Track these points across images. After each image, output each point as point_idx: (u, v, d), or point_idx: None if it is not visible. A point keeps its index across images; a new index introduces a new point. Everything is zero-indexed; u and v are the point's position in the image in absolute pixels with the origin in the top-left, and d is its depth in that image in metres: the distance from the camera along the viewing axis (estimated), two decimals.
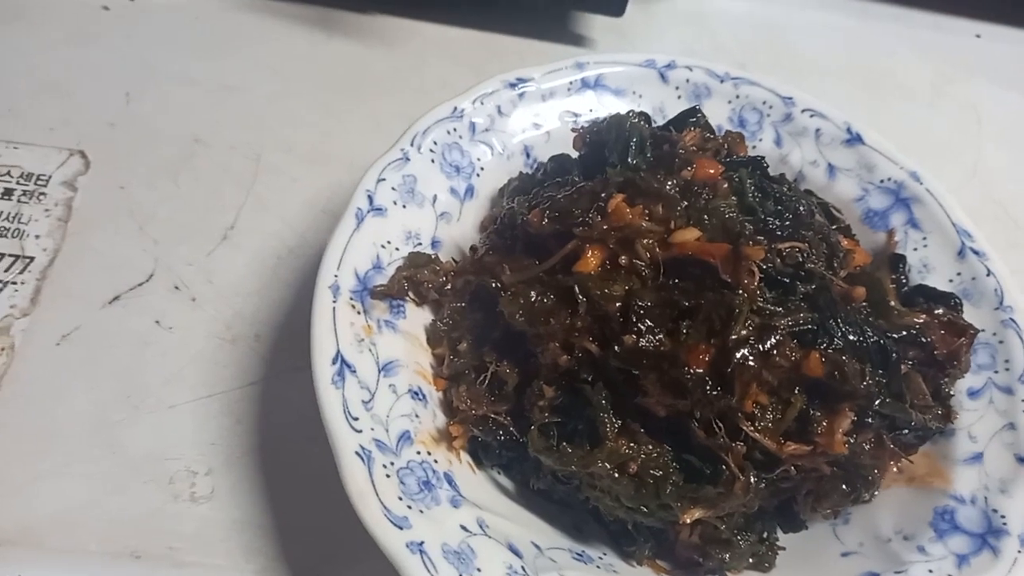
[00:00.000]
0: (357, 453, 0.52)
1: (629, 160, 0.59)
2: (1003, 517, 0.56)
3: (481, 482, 0.59)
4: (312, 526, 0.63)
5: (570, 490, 0.58)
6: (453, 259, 0.66)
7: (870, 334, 0.53)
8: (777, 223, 0.56)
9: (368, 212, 0.62)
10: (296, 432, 0.66)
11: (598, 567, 0.56)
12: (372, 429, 0.54)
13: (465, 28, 1.00)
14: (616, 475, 0.54)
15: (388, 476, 0.53)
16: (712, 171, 0.58)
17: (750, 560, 0.58)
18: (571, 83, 0.73)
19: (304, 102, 0.90)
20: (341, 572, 0.61)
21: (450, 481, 0.56)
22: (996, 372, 0.62)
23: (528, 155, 0.72)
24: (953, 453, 0.60)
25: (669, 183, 0.56)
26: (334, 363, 0.55)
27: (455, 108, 0.69)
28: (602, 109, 0.72)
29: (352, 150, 0.85)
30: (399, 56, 0.96)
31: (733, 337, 0.51)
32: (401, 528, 0.50)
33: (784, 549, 0.59)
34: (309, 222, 0.80)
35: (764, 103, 0.74)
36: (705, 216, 0.56)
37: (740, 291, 0.52)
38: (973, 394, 0.62)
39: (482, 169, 0.70)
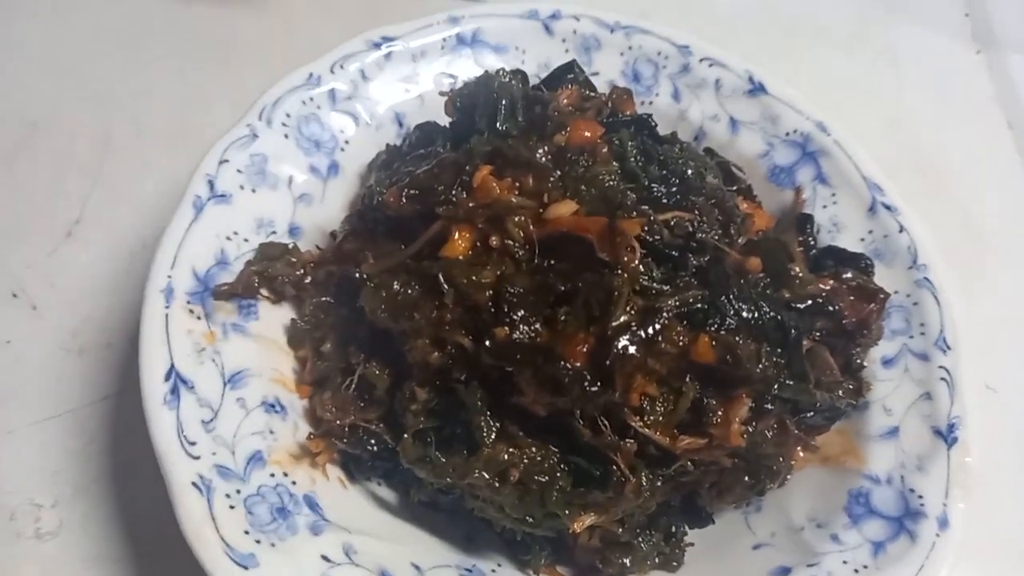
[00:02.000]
0: (194, 484, 0.46)
1: (498, 126, 0.52)
2: (920, 497, 0.52)
3: (353, 499, 0.53)
4: (175, 555, 0.55)
5: (455, 499, 0.53)
6: (317, 247, 0.59)
7: (767, 310, 0.47)
8: (663, 190, 0.50)
9: (208, 200, 0.54)
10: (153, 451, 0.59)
11: None
12: (214, 453, 0.47)
13: None
14: (497, 484, 0.48)
15: (232, 507, 0.46)
16: (590, 134, 0.51)
17: (656, 560, 0.53)
18: (444, 40, 0.65)
19: (159, 74, 0.80)
20: None
21: (311, 504, 0.49)
22: (911, 337, 0.57)
23: (400, 124, 0.64)
24: (868, 428, 0.55)
25: (541, 150, 0.50)
26: (167, 379, 0.48)
27: (311, 74, 0.61)
28: (481, 69, 0.65)
29: (216, 127, 0.75)
30: (268, 18, 0.86)
31: (613, 324, 0.45)
32: (246, 568, 0.44)
33: (693, 545, 0.55)
34: (166, 211, 0.70)
35: (659, 54, 0.67)
36: (583, 186, 0.49)
37: (619, 271, 0.46)
38: (887, 363, 0.57)
39: (347, 142, 0.62)
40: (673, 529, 0.54)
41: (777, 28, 0.98)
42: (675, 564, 0.54)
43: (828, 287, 0.54)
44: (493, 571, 0.53)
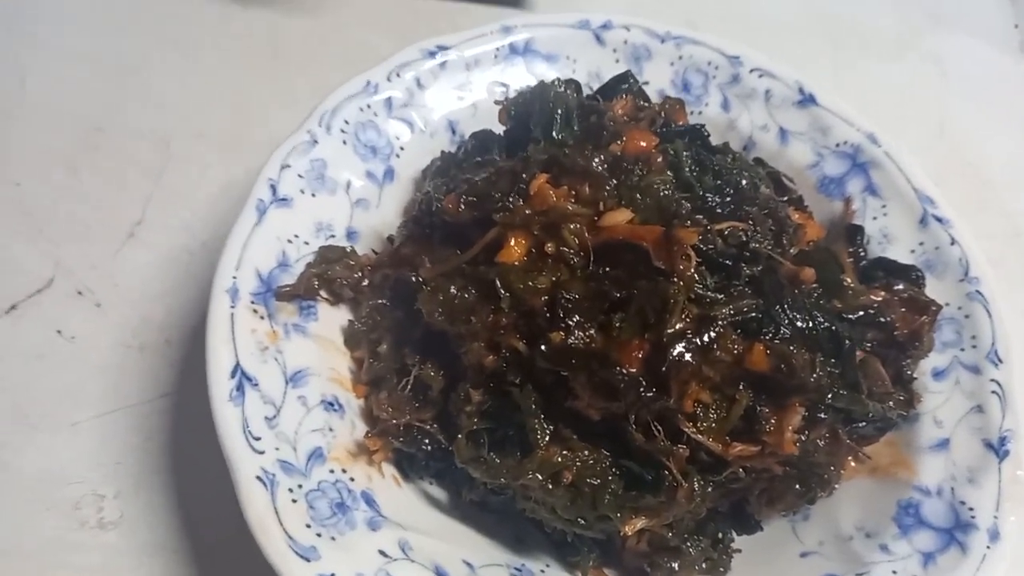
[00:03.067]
0: (259, 478, 0.47)
1: (554, 135, 0.53)
2: (971, 510, 0.52)
3: (407, 497, 0.54)
4: (231, 549, 0.57)
5: (506, 500, 0.54)
6: (373, 251, 0.61)
7: (821, 320, 0.48)
8: (717, 199, 0.50)
9: (271, 203, 0.56)
10: (212, 446, 0.59)
11: None
12: (277, 449, 0.49)
13: None
14: (550, 486, 0.49)
15: (295, 501, 0.47)
16: (645, 144, 0.52)
17: (703, 565, 0.54)
18: (497, 49, 0.66)
19: (216, 80, 0.82)
20: None
21: (368, 501, 0.50)
22: (962, 350, 0.57)
23: (454, 131, 0.65)
24: (918, 440, 0.55)
25: (597, 159, 0.51)
26: (232, 377, 0.50)
27: (368, 82, 0.62)
28: (534, 78, 0.66)
29: (271, 131, 0.76)
30: (321, 25, 0.88)
31: (668, 331, 0.46)
32: (308, 560, 0.45)
33: (740, 552, 0.55)
34: (224, 214, 0.73)
35: (709, 64, 0.67)
36: (638, 195, 0.50)
37: (675, 279, 0.46)
38: (938, 375, 0.57)
39: (402, 149, 0.63)
40: (720, 535, 0.55)
41: (822, 37, 0.98)
42: (722, 570, 0.55)
43: (880, 298, 0.54)
44: (542, 571, 0.54)
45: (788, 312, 0.47)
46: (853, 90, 0.70)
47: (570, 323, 0.48)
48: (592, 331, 0.48)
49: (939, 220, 0.61)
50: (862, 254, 0.61)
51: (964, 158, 0.88)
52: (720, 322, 0.46)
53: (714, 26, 0.91)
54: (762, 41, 0.71)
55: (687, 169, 0.51)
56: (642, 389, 0.45)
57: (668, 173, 0.51)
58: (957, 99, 0.93)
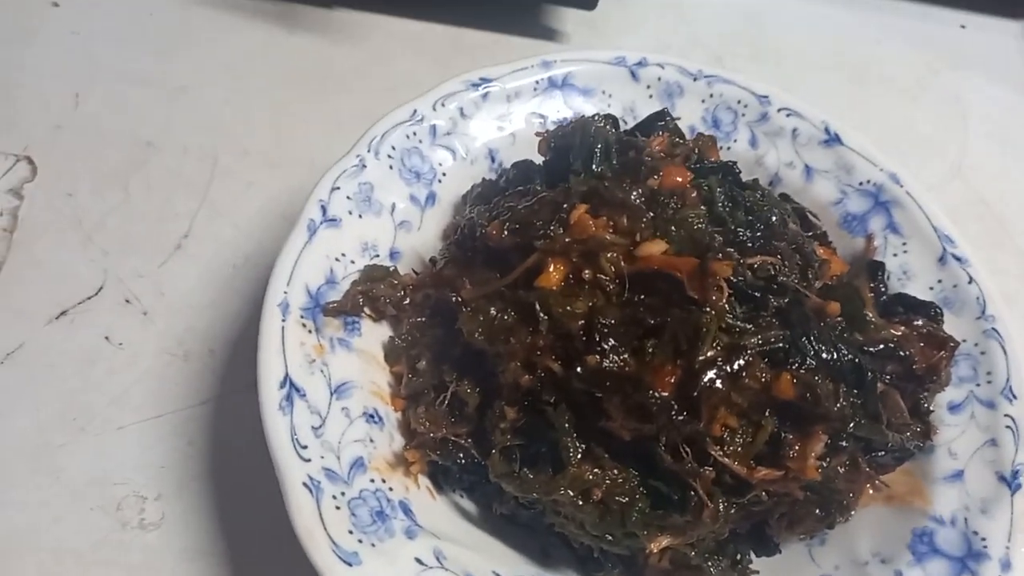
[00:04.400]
0: (305, 484, 0.50)
1: (593, 167, 0.56)
2: (983, 540, 0.53)
3: (441, 508, 0.57)
4: (268, 554, 0.60)
5: (535, 514, 0.56)
6: (414, 271, 0.63)
7: (845, 352, 0.50)
8: (748, 234, 0.53)
9: (321, 223, 0.59)
10: (251, 454, 0.63)
11: None
12: (322, 457, 0.51)
13: (431, 22, 0.96)
14: (580, 502, 0.52)
15: (338, 508, 0.50)
16: (680, 179, 0.54)
17: None
18: (537, 83, 0.69)
19: (262, 102, 0.86)
20: None
21: (406, 510, 0.53)
22: (978, 385, 0.59)
23: (493, 159, 0.68)
24: (933, 471, 0.57)
25: (635, 192, 0.53)
26: (282, 387, 0.52)
27: (414, 111, 0.65)
28: (570, 110, 0.69)
29: (312, 152, 0.81)
30: (362, 52, 0.92)
31: (700, 358, 0.48)
32: (351, 565, 0.48)
33: (758, 573, 0.57)
34: (266, 229, 0.77)
35: (739, 102, 0.70)
36: (672, 227, 0.53)
37: (708, 308, 0.49)
38: (954, 408, 0.59)
39: (444, 175, 0.66)
40: (739, 556, 0.57)
41: (844, 75, 1.01)
42: None
43: (900, 333, 0.56)
44: None
45: (814, 343, 0.49)
46: (872, 128, 0.72)
47: (605, 347, 0.50)
48: (626, 355, 0.50)
49: (958, 259, 0.63)
50: (883, 289, 0.63)
51: (980, 197, 0.90)
52: (749, 351, 0.48)
53: (740, 65, 0.95)
54: (785, 79, 0.74)
55: (720, 204, 0.54)
56: (673, 412, 0.48)
57: (702, 207, 0.53)
58: (974, 138, 0.96)
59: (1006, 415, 0.58)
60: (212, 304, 0.72)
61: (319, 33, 0.93)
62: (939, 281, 0.63)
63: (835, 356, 0.50)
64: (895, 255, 0.65)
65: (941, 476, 0.57)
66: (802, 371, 0.49)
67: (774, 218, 0.54)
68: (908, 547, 0.55)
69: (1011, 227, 0.88)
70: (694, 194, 0.54)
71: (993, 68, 1.04)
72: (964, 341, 0.60)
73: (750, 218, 0.54)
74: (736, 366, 0.48)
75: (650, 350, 0.50)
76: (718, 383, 0.48)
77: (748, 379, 0.48)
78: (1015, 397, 0.58)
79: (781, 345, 0.49)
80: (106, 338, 0.69)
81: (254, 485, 0.62)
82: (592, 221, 0.53)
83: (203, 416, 0.66)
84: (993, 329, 0.61)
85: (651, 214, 0.53)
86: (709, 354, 0.48)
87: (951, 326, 0.60)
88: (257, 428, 0.61)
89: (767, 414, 0.49)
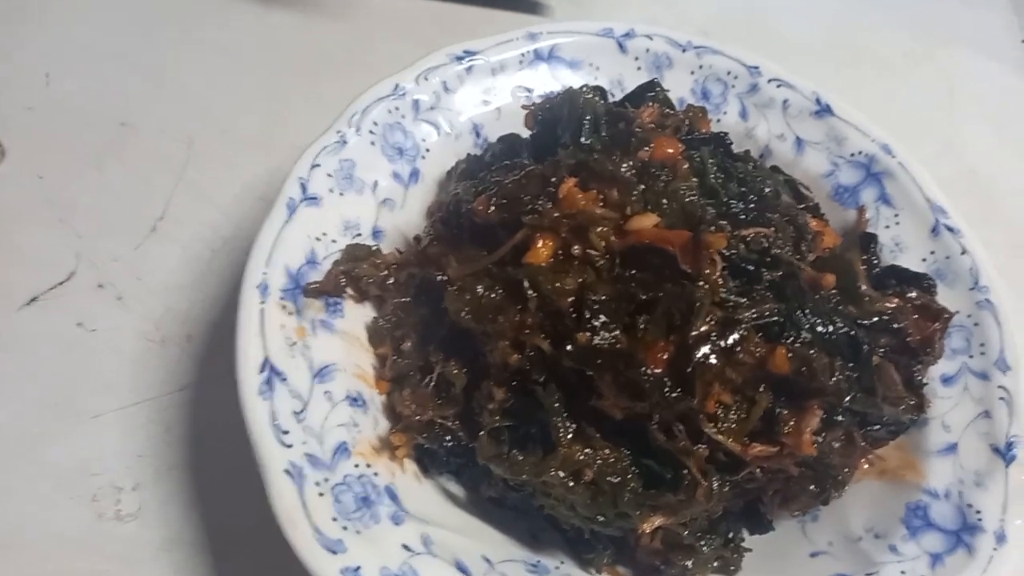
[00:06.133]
0: (287, 471, 0.48)
1: (582, 140, 0.55)
2: (978, 513, 0.53)
3: (428, 492, 0.55)
4: (248, 542, 0.58)
5: (524, 497, 0.55)
6: (397, 250, 0.62)
7: (840, 325, 0.49)
8: (741, 206, 0.52)
9: (301, 202, 0.57)
10: (231, 441, 0.60)
11: None
12: (304, 443, 0.50)
13: None
14: (571, 484, 0.50)
15: (321, 495, 0.48)
16: (671, 150, 0.53)
17: (714, 564, 0.55)
18: (523, 55, 0.67)
19: (242, 81, 0.83)
20: None
21: (392, 495, 0.51)
22: (971, 357, 0.59)
23: (478, 134, 0.66)
24: (926, 444, 0.57)
25: (625, 165, 0.52)
26: (262, 371, 0.51)
27: (396, 85, 0.63)
28: (557, 83, 0.67)
29: (294, 132, 0.77)
30: (346, 31, 0.89)
31: (694, 333, 0.47)
32: (335, 552, 0.46)
33: (751, 551, 0.56)
34: (246, 211, 0.74)
35: (728, 73, 0.69)
36: (664, 200, 0.51)
37: (701, 282, 0.48)
38: (947, 381, 0.58)
39: (427, 151, 0.64)
40: (732, 534, 0.56)
41: (834, 52, 0.99)
42: (732, 568, 0.56)
43: (893, 305, 0.55)
44: (557, 567, 0.55)
45: (809, 316, 0.48)
46: (863, 106, 0.71)
47: (596, 324, 0.49)
48: (618, 332, 0.49)
49: (950, 230, 0.62)
50: (875, 262, 0.62)
51: (970, 172, 0.89)
52: (743, 325, 0.47)
53: (728, 40, 0.93)
54: (774, 56, 0.73)
55: (712, 176, 0.52)
56: (666, 389, 0.47)
57: (694, 179, 0.52)
58: (964, 115, 0.95)
59: (1000, 386, 0.57)
60: (190, 287, 0.70)
61: (301, 11, 0.90)
62: (932, 252, 0.63)
63: (830, 329, 0.49)
64: (887, 227, 0.64)
65: (935, 449, 0.56)
66: (797, 345, 0.48)
67: (767, 190, 0.53)
68: (902, 521, 0.54)
69: (1000, 200, 0.88)
70: (685, 166, 0.52)
71: (983, 44, 1.03)
72: (957, 312, 0.59)
73: (743, 190, 0.52)
74: (730, 341, 0.47)
75: (642, 326, 0.48)
76: (712, 358, 0.46)
77: (743, 354, 0.47)
78: (1008, 368, 0.57)
79: (776, 319, 0.48)
80: (79, 324, 0.67)
81: (234, 473, 0.59)
82: (581, 195, 0.51)
83: (181, 403, 0.65)
84: (986, 300, 0.60)
85: (642, 187, 0.52)
86: (703, 329, 0.47)
87: (944, 298, 0.59)
88: (237, 414, 0.59)
89: (762, 389, 0.48)
